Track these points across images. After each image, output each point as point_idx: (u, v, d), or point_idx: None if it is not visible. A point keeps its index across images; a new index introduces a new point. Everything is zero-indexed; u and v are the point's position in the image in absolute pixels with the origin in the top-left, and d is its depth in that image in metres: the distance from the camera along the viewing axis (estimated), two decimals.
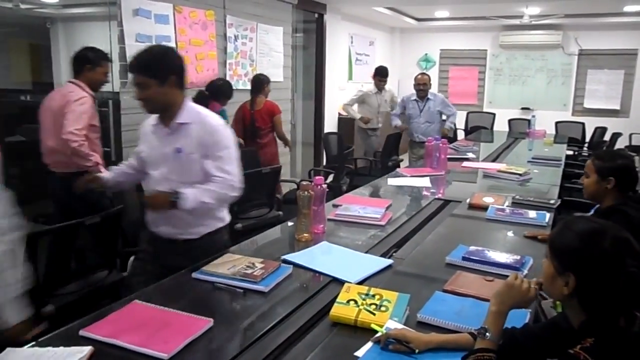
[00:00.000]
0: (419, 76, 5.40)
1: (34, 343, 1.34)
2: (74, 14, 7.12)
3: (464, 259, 1.88)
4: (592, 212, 2.36)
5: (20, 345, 1.32)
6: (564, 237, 1.18)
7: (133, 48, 3.97)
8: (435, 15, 9.07)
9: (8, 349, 1.29)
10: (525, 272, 1.79)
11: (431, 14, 9.04)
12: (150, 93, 1.94)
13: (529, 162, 4.26)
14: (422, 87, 5.33)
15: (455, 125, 6.06)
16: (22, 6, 6.50)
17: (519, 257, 1.87)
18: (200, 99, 3.81)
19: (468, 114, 8.36)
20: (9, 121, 3.43)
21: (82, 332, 1.38)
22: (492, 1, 6.84)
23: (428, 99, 5.36)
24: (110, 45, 4.30)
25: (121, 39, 3.93)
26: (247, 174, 3.49)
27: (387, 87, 6.41)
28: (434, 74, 9.89)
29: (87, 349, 1.28)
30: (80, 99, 3.09)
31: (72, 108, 3.02)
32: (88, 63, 3.30)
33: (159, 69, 1.95)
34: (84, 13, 7.03)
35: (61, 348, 1.29)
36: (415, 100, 5.41)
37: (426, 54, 10.07)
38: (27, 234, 1.90)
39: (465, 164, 4.16)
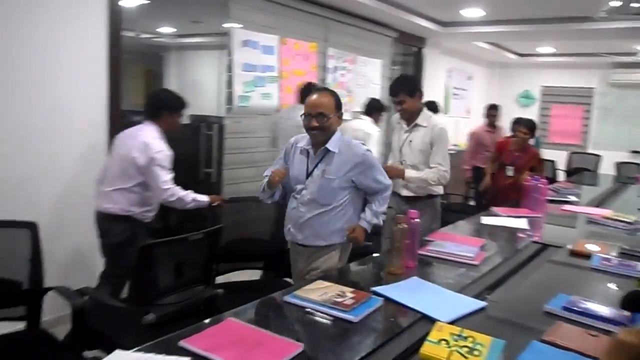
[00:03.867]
0: (313, 97, 2.46)
1: (138, 348, 1.44)
2: (187, 43, 7.70)
3: (565, 308, 1.78)
4: None
5: (129, 348, 1.41)
6: None
7: (239, 77, 4.22)
8: (538, 51, 8.78)
9: (117, 350, 1.39)
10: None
11: (534, 50, 8.76)
12: None
13: (639, 209, 3.95)
14: (313, 121, 2.39)
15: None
16: (142, 35, 7.15)
17: (628, 313, 1.74)
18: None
19: (570, 154, 7.94)
20: None
21: (181, 343, 1.45)
22: (603, 38, 6.51)
23: (327, 150, 2.46)
24: (219, 73, 4.60)
25: (229, 68, 4.18)
26: None
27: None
28: (534, 111, 9.53)
29: None
30: None
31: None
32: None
33: None
34: (195, 42, 7.58)
35: (162, 356, 1.37)
36: (304, 149, 2.55)
37: (526, 91, 9.76)
38: (141, 245, 2.06)
39: (565, 207, 3.94)
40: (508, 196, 4.52)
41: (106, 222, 2.97)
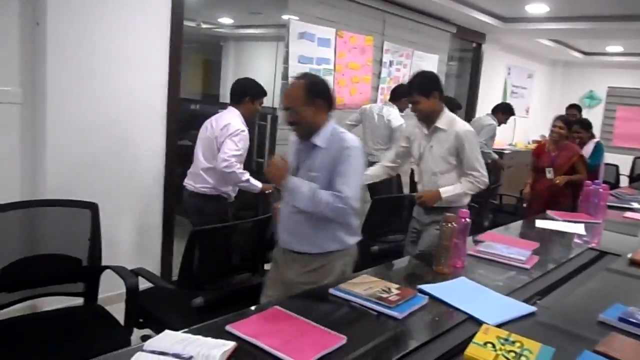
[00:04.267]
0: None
1: (186, 330, 1.48)
2: (245, 34, 7.81)
3: (620, 319, 1.70)
4: None
5: (177, 329, 1.46)
6: None
7: (295, 68, 4.25)
8: (606, 50, 8.38)
9: (166, 330, 1.44)
10: None
11: (601, 49, 8.37)
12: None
13: None
14: (287, 116, 2.22)
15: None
16: (203, 25, 7.32)
17: None
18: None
19: (635, 159, 7.56)
20: (181, 127, 3.86)
21: (227, 328, 1.49)
22: None
23: (314, 145, 2.21)
24: (275, 64, 4.65)
25: (285, 59, 4.22)
26: (387, 199, 3.57)
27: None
28: (598, 113, 9.11)
29: (231, 344, 1.38)
30: None
31: None
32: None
33: None
34: (254, 34, 7.69)
35: (209, 339, 1.41)
36: (296, 145, 2.51)
37: (591, 91, 9.34)
38: (191, 231, 2.12)
39: (627, 214, 3.76)
40: (548, 202, 4.10)
41: (201, 200, 3.20)
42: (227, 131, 3.09)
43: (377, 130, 4.69)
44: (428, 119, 2.97)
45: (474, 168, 2.90)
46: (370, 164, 4.72)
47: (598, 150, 4.92)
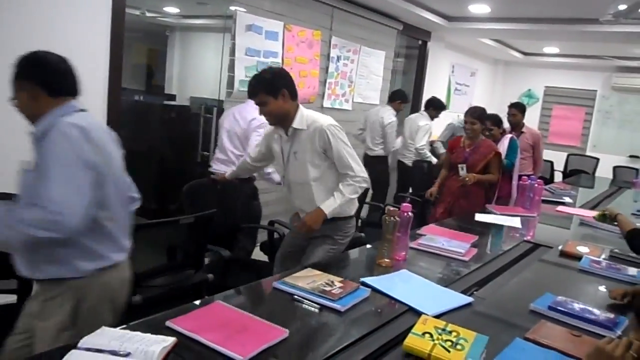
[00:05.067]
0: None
1: (125, 326, 1.45)
2: (192, 24, 7.63)
3: (550, 308, 1.80)
4: None
5: (116, 325, 1.43)
6: None
7: (242, 61, 4.20)
8: (543, 51, 8.75)
9: (103, 327, 1.40)
10: (619, 333, 1.67)
11: (539, 49, 8.72)
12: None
13: (633, 214, 3.95)
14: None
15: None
16: (148, 14, 7.09)
17: (612, 316, 1.76)
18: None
19: (569, 155, 7.95)
20: (124, 118, 3.75)
21: (168, 323, 1.47)
22: (608, 41, 6.48)
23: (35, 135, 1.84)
24: (222, 56, 4.57)
25: (232, 51, 4.16)
26: None
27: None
28: (536, 111, 9.50)
29: (171, 340, 1.36)
30: None
31: None
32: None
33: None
34: (200, 24, 7.52)
35: (148, 335, 1.38)
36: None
37: (529, 90, 9.73)
38: None
39: (560, 208, 3.97)
40: (459, 200, 3.85)
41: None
42: (253, 125, 3.45)
43: (374, 128, 5.56)
44: (283, 122, 2.51)
45: (347, 166, 2.48)
46: (368, 157, 5.56)
47: (513, 146, 4.51)
